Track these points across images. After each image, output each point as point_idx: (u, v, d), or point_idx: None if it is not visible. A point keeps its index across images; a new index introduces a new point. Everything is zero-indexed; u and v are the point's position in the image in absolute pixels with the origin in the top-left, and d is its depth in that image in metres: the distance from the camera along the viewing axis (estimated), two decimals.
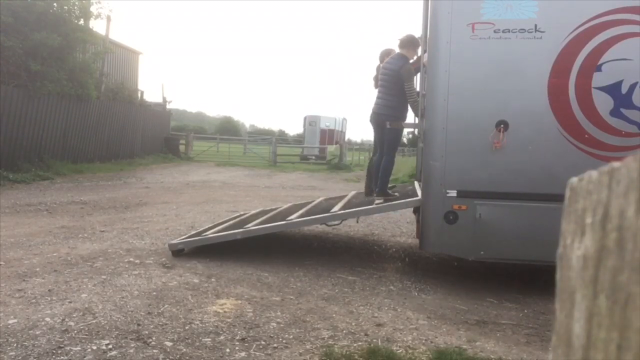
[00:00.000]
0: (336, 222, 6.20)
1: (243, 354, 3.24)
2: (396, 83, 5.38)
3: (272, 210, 7.25)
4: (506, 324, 4.14)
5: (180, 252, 5.49)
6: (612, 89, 4.53)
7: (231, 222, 6.72)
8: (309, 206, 6.71)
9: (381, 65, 7.38)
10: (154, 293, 4.23)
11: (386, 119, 5.48)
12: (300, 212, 6.15)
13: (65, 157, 13.65)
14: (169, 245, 5.58)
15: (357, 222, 6.87)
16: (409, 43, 5.51)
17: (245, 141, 32.19)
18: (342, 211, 5.79)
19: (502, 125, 4.63)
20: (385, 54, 7.17)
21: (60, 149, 13.60)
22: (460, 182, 4.76)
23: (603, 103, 4.54)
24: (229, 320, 3.76)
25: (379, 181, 5.60)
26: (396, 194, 5.66)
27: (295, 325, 3.77)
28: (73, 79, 13.32)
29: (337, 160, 22.39)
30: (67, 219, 7.20)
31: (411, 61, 5.54)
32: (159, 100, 22.43)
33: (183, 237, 5.99)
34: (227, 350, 3.28)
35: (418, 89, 5.54)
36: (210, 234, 5.95)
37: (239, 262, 5.41)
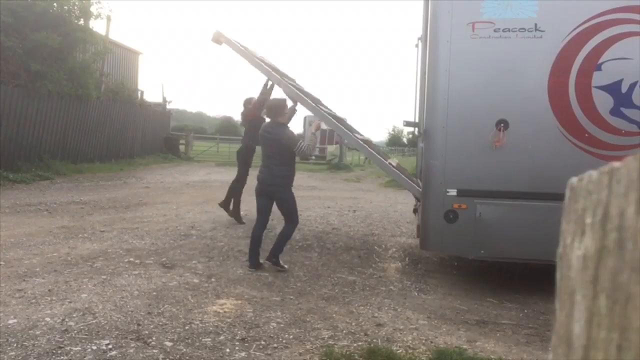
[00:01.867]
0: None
1: (243, 354, 3.24)
2: (282, 152, 5.05)
3: None
4: (506, 324, 4.14)
5: (219, 42, 5.52)
6: (612, 88, 4.52)
7: None
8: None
9: (244, 111, 7.54)
10: (154, 293, 4.23)
11: (277, 189, 5.13)
12: None
13: (65, 157, 13.64)
14: (214, 34, 5.62)
15: (365, 162, 6.72)
16: (274, 109, 5.16)
17: None
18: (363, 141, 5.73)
19: (502, 125, 4.63)
20: (247, 102, 7.46)
21: (60, 149, 13.59)
22: (460, 181, 4.75)
23: (603, 102, 4.54)
24: (229, 320, 3.76)
25: (274, 246, 5.21)
26: (285, 266, 5.19)
27: (295, 325, 3.77)
28: (73, 79, 13.30)
29: (337, 160, 22.38)
30: (67, 219, 7.20)
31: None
32: (159, 100, 22.42)
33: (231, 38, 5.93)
34: (227, 350, 3.28)
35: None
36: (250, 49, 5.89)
37: (238, 262, 5.41)
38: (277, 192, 5.14)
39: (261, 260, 5.25)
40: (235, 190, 7.49)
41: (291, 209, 5.22)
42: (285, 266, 5.22)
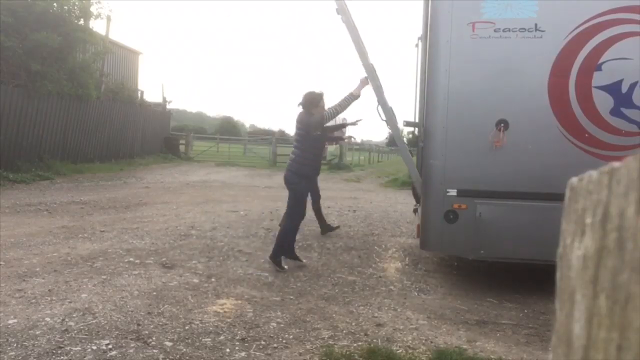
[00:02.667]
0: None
1: (243, 354, 3.24)
2: (305, 139, 5.17)
3: None
4: (506, 324, 4.14)
5: (338, 12, 5.11)
6: (612, 88, 4.52)
7: None
8: None
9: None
10: (154, 293, 4.23)
11: (292, 178, 5.19)
12: None
13: (65, 157, 13.65)
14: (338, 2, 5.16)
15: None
16: (310, 101, 5.24)
17: (245, 141, 32.18)
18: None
19: (502, 125, 4.63)
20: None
21: (60, 149, 13.60)
22: (460, 181, 4.75)
23: (603, 102, 4.54)
24: (229, 320, 3.76)
25: (275, 242, 5.27)
26: (286, 267, 5.22)
27: (295, 325, 3.77)
28: (73, 79, 13.30)
29: (337, 160, 22.39)
30: (67, 219, 7.20)
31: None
32: (159, 100, 22.43)
33: None
34: (227, 350, 3.28)
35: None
36: None
37: (239, 262, 5.41)
38: (291, 182, 5.20)
39: (267, 258, 5.35)
40: (317, 208, 7.22)
41: (296, 203, 5.21)
42: (286, 267, 5.23)
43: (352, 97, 5.12)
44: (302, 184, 5.22)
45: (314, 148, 5.26)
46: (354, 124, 6.06)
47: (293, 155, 5.27)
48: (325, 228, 7.14)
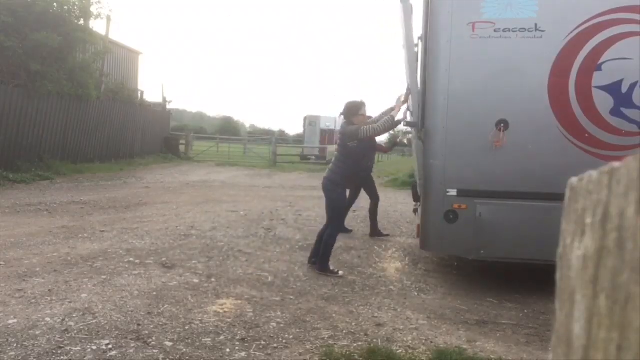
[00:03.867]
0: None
1: (243, 354, 3.24)
2: (342, 147, 5.18)
3: None
4: (506, 324, 4.14)
5: None
6: (612, 88, 4.52)
7: None
8: None
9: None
10: (154, 293, 4.23)
11: (327, 184, 5.21)
12: None
13: (65, 157, 13.65)
14: None
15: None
16: (350, 110, 5.22)
17: (245, 141, 32.21)
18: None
19: (502, 125, 4.63)
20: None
21: (60, 149, 13.60)
22: (460, 181, 4.75)
23: (603, 102, 4.54)
24: (229, 320, 3.76)
25: (320, 253, 5.23)
26: (340, 272, 5.22)
27: (295, 325, 3.77)
28: (73, 79, 13.30)
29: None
30: (67, 219, 7.20)
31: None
32: (159, 100, 22.42)
33: None
34: (227, 350, 3.28)
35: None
36: None
37: (239, 262, 5.41)
38: (327, 189, 5.22)
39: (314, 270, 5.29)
40: (373, 211, 7.25)
41: (334, 209, 5.23)
42: (340, 272, 5.20)
43: (392, 121, 5.13)
44: (335, 192, 5.16)
45: (346, 158, 5.18)
46: (399, 122, 6.02)
47: (331, 164, 5.36)
48: (375, 231, 7.16)
